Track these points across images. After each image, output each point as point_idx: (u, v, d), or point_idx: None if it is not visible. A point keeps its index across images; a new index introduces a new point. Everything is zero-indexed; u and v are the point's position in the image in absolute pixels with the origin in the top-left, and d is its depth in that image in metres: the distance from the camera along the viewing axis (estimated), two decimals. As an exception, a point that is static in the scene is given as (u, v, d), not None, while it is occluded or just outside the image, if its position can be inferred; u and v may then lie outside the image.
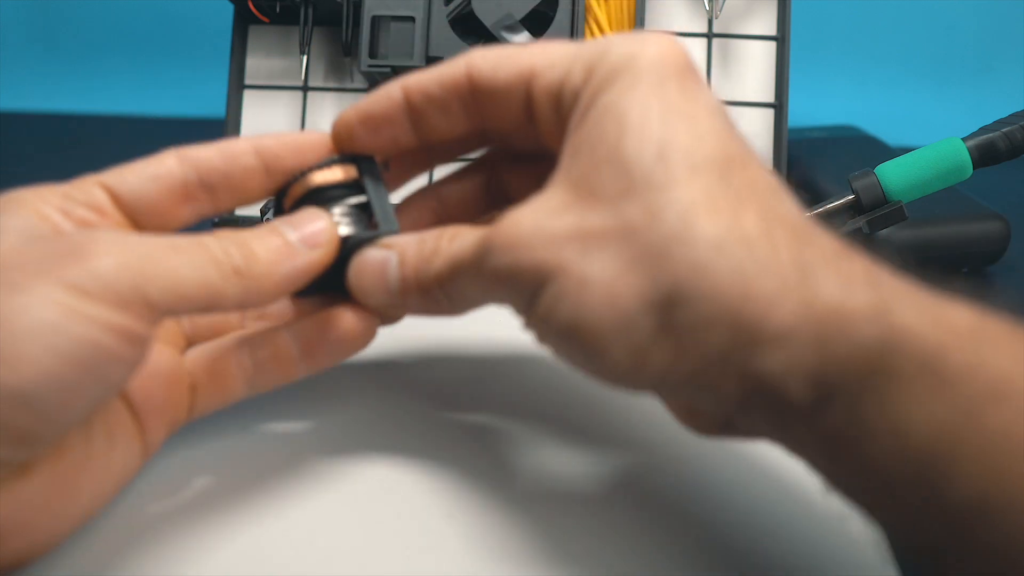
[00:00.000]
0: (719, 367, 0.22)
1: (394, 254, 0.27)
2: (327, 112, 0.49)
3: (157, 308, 0.22)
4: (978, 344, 0.20)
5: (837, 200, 0.40)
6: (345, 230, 0.28)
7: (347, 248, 0.28)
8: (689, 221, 0.22)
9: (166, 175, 0.27)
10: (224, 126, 0.49)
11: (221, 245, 0.24)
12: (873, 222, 0.39)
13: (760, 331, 0.21)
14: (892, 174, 0.39)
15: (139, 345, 0.22)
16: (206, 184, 0.27)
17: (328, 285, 0.28)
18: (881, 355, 0.20)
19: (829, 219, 0.41)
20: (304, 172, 0.28)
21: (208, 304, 0.24)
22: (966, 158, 0.38)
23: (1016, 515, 0.18)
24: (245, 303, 0.25)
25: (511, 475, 0.29)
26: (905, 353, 0.20)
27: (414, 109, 0.28)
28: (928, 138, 0.41)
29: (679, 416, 0.26)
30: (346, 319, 0.28)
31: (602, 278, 0.22)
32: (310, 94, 0.49)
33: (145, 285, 0.22)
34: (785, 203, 0.23)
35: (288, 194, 0.29)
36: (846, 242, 0.23)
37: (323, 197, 0.28)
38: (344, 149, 0.29)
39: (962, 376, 0.19)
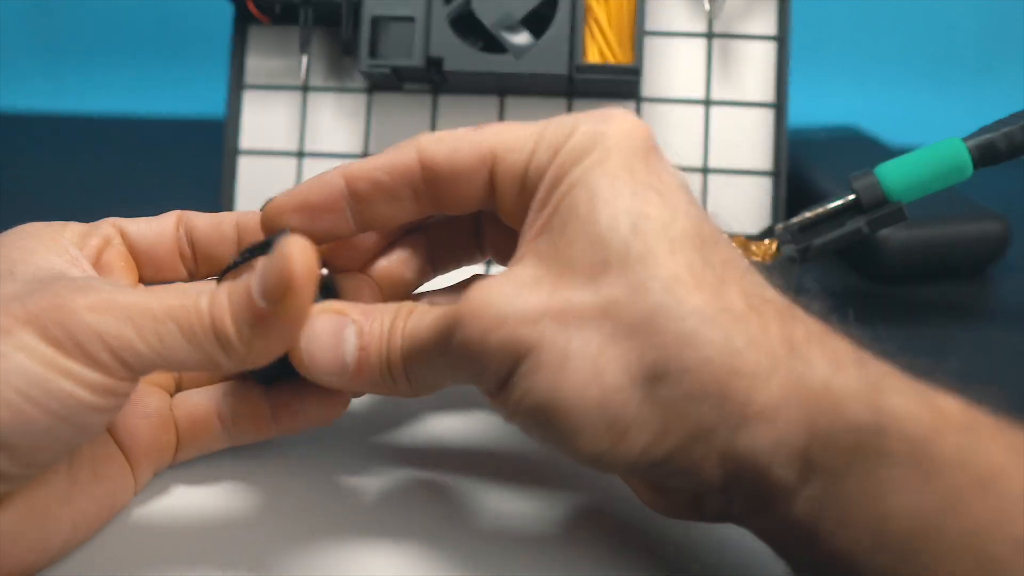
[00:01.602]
0: (703, 445, 0.21)
1: (351, 324, 0.25)
2: (327, 112, 0.49)
3: (134, 369, 0.23)
4: (969, 432, 0.20)
5: (837, 200, 0.40)
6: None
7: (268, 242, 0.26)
8: (675, 294, 0.22)
9: (170, 232, 0.30)
10: (224, 126, 0.49)
11: (212, 314, 0.23)
12: (873, 222, 0.39)
13: (747, 406, 0.21)
14: (892, 174, 0.39)
15: (116, 397, 0.23)
16: (204, 255, 0.30)
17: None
18: (872, 435, 0.20)
19: (829, 219, 0.41)
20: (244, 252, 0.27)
21: (199, 369, 0.24)
22: (966, 158, 0.38)
23: None
24: (236, 369, 0.24)
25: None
26: (896, 435, 0.20)
27: (358, 198, 0.26)
28: (928, 138, 0.41)
29: (644, 497, 0.26)
30: (316, 390, 0.27)
31: (585, 352, 0.22)
32: (310, 94, 0.49)
33: (122, 351, 0.22)
34: (764, 284, 0.23)
35: (230, 272, 0.28)
36: (829, 324, 0.23)
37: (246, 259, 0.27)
38: (272, 233, 0.27)
39: (953, 463, 0.19)
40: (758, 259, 0.42)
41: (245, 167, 0.49)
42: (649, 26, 0.48)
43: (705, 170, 0.47)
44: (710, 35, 0.48)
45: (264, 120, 0.49)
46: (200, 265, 0.30)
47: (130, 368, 0.23)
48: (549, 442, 0.23)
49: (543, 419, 0.22)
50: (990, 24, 0.74)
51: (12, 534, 0.23)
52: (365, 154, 0.49)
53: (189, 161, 0.60)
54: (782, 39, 0.47)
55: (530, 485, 0.29)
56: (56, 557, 0.25)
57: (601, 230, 0.23)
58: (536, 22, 0.46)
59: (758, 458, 0.21)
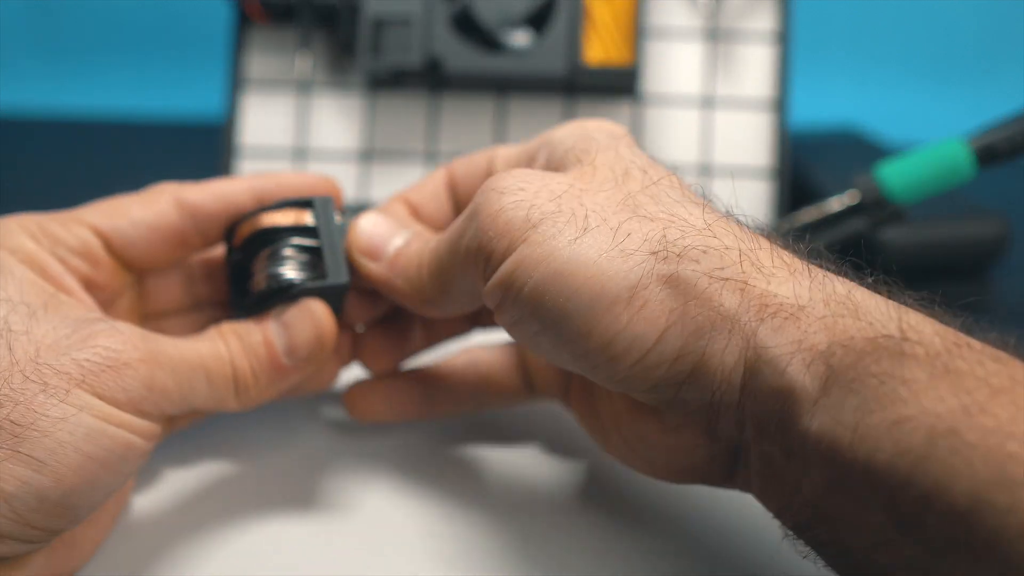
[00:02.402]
0: (723, 336, 0.21)
1: (406, 229, 0.28)
2: (326, 112, 0.49)
3: (168, 415, 0.24)
4: (984, 352, 0.20)
5: (836, 200, 0.40)
6: (291, 275, 0.27)
7: (290, 295, 0.27)
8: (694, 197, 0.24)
9: (163, 226, 0.27)
10: (224, 126, 0.49)
11: (233, 363, 0.25)
12: (873, 223, 0.39)
13: (769, 298, 0.21)
14: (893, 176, 0.39)
15: (155, 439, 0.24)
16: (203, 232, 0.28)
17: (258, 311, 0.27)
18: (894, 341, 0.20)
19: (829, 219, 0.41)
20: (255, 212, 0.28)
21: (208, 409, 0.26)
22: (967, 161, 0.38)
23: (1012, 516, 0.17)
24: (238, 410, 0.27)
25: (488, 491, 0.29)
26: (917, 343, 0.20)
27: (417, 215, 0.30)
28: (929, 137, 0.41)
29: (651, 463, 0.25)
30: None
31: (603, 218, 0.22)
32: (310, 94, 0.49)
33: (163, 402, 0.24)
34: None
35: (237, 232, 0.28)
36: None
37: (270, 238, 0.27)
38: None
39: (971, 374, 0.19)
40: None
41: (245, 167, 0.49)
42: (649, 26, 0.48)
43: (705, 170, 0.47)
44: (710, 34, 0.48)
45: (263, 120, 0.49)
46: (212, 243, 0.29)
47: (164, 416, 0.24)
48: (555, 332, 0.22)
49: (555, 293, 0.22)
50: (990, 24, 0.74)
51: (45, 567, 0.23)
52: (365, 154, 0.49)
53: (189, 161, 0.60)
54: (783, 39, 0.47)
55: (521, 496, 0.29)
56: (79, 570, 0.25)
57: (611, 161, 0.24)
58: (536, 22, 0.46)
59: (778, 360, 0.20)
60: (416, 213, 0.30)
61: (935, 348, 0.19)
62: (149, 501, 0.28)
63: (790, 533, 0.21)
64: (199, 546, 0.26)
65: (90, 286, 0.27)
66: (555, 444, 0.31)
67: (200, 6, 0.73)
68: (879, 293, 0.22)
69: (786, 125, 0.47)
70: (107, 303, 0.27)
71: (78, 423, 0.21)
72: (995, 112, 0.40)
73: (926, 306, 0.22)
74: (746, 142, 0.47)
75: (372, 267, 0.28)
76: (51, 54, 0.78)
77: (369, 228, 0.28)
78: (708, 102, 0.48)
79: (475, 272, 0.24)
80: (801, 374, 0.20)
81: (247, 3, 0.47)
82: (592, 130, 0.26)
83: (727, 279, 0.21)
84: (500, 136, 0.48)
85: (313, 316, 0.27)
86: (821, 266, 0.23)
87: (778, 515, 0.22)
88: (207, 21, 0.67)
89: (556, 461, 0.30)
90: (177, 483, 0.29)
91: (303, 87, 0.49)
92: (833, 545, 0.20)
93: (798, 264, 0.22)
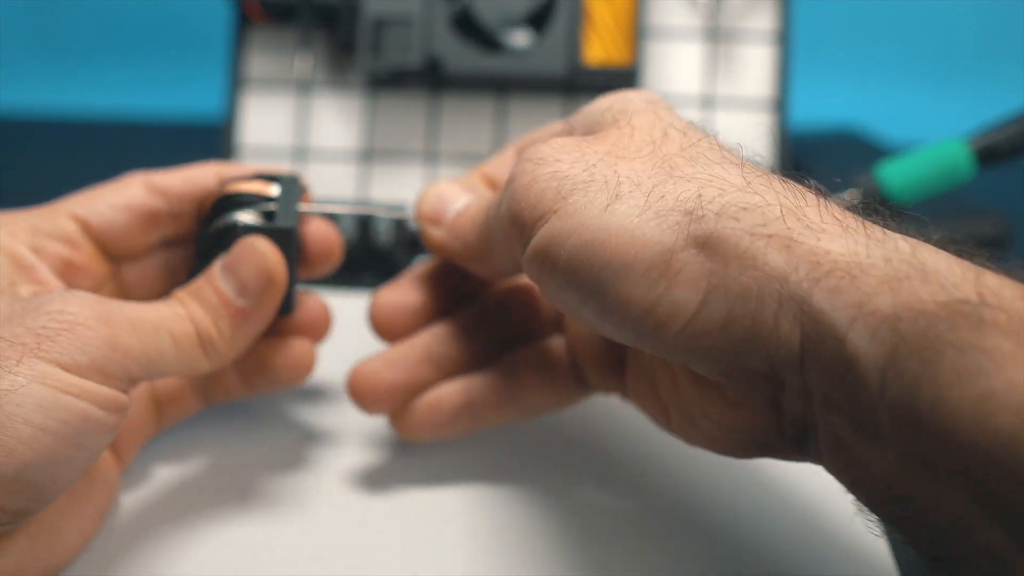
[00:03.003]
0: (773, 299, 0.19)
1: (466, 195, 0.29)
2: (326, 112, 0.49)
3: (136, 379, 0.23)
4: None
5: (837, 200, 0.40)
6: (240, 218, 0.28)
7: (236, 232, 0.27)
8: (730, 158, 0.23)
9: (136, 206, 0.28)
10: (223, 126, 0.49)
11: (194, 321, 0.25)
12: None
13: (821, 255, 0.19)
14: (893, 176, 0.39)
15: (121, 411, 0.23)
16: (173, 212, 0.29)
17: (211, 257, 0.27)
18: (972, 306, 0.17)
19: None
20: (222, 187, 0.29)
21: (179, 373, 0.25)
22: (968, 160, 0.38)
23: None
24: (212, 370, 0.26)
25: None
26: (999, 307, 0.17)
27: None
28: (929, 137, 0.41)
29: (716, 439, 0.23)
30: (284, 355, 0.29)
31: (638, 182, 0.22)
32: (309, 94, 0.49)
33: (128, 363, 0.23)
34: None
35: (202, 205, 0.29)
36: None
37: (232, 205, 0.28)
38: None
39: None
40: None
41: (245, 167, 0.49)
42: (649, 26, 0.48)
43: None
44: (710, 34, 0.48)
45: (263, 120, 0.49)
46: (184, 227, 0.30)
47: (133, 380, 0.23)
48: (595, 303, 0.21)
49: (589, 264, 0.21)
50: (990, 24, 0.74)
51: (24, 560, 0.23)
52: (365, 154, 0.49)
53: (189, 161, 0.60)
54: (783, 38, 0.47)
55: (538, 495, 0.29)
56: (68, 564, 0.25)
57: (649, 123, 0.24)
58: (536, 22, 0.46)
59: (836, 325, 0.18)
60: (492, 186, 0.30)
61: (1019, 314, 0.17)
62: (138, 500, 0.28)
63: (863, 509, 0.20)
64: (187, 545, 0.26)
65: (71, 271, 0.27)
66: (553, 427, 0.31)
67: (200, 6, 0.73)
68: (948, 252, 0.19)
69: (786, 125, 0.47)
70: (90, 290, 0.27)
71: (28, 393, 0.20)
72: (995, 112, 0.40)
73: (1002, 268, 0.19)
74: (746, 142, 0.47)
75: (434, 233, 0.28)
76: (51, 54, 0.78)
77: (434, 195, 0.29)
78: (708, 102, 0.48)
79: (513, 240, 0.24)
80: (864, 341, 0.18)
81: (247, 3, 0.47)
82: (631, 96, 0.26)
83: (771, 235, 0.20)
84: (500, 136, 0.48)
85: (254, 250, 0.26)
86: (880, 223, 0.21)
87: (851, 490, 0.20)
88: (207, 21, 0.67)
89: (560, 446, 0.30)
90: (167, 481, 0.29)
91: (303, 87, 0.49)
92: (909, 523, 0.18)
93: (851, 220, 0.20)
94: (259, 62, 0.50)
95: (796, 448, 0.22)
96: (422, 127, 0.49)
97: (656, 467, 0.30)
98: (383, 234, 0.44)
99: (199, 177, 0.29)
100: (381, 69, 0.45)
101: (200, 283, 0.26)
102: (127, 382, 0.23)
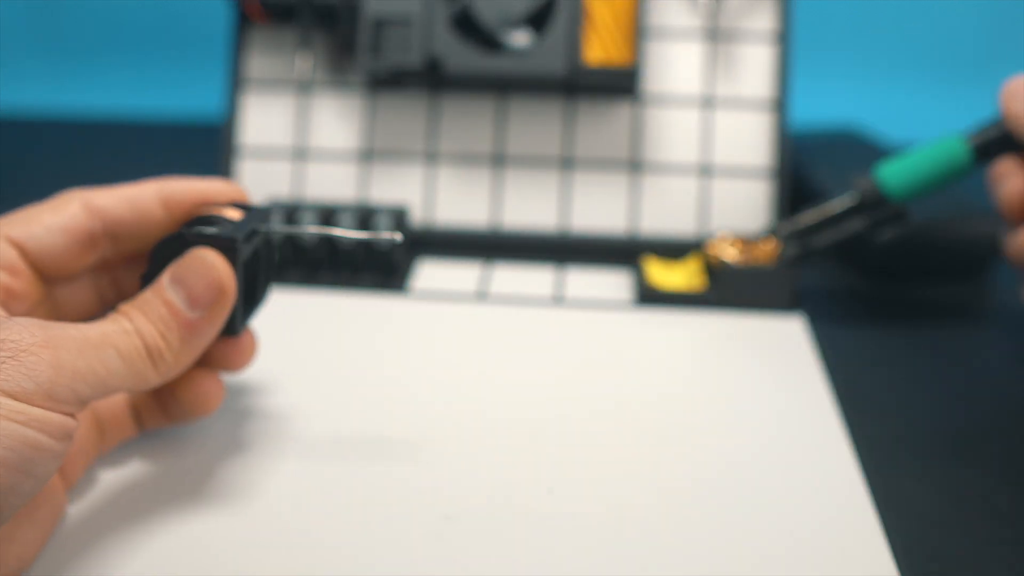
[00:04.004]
0: None
1: None
2: (326, 112, 0.49)
3: (86, 399, 0.23)
4: None
5: (837, 201, 0.40)
6: (194, 228, 0.27)
7: (184, 243, 0.27)
8: None
9: (73, 228, 0.27)
10: (224, 126, 0.49)
11: (141, 335, 0.25)
12: (873, 223, 0.39)
13: None
14: (891, 176, 0.39)
15: (69, 437, 0.22)
16: (111, 234, 0.28)
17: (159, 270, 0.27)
18: None
19: (829, 220, 0.41)
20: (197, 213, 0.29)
21: (129, 388, 0.25)
22: (966, 157, 0.38)
23: None
24: (161, 382, 0.26)
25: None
26: None
27: None
28: (929, 137, 0.41)
29: None
30: (191, 391, 0.29)
31: None
32: (310, 94, 0.49)
33: (76, 384, 0.22)
34: None
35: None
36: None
37: (197, 223, 0.28)
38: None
39: None
40: (759, 259, 0.42)
41: (244, 167, 0.49)
42: (649, 26, 0.48)
43: (705, 170, 0.47)
44: (710, 34, 0.48)
45: (264, 120, 0.49)
46: (123, 247, 0.29)
47: (82, 402, 0.23)
48: None
49: None
50: (990, 23, 0.74)
51: None
52: (365, 154, 0.49)
53: (189, 161, 0.60)
54: (783, 38, 0.47)
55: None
56: (28, 567, 0.24)
57: None
58: (536, 22, 0.46)
59: None
60: None
61: None
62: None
63: None
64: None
65: (9, 298, 0.26)
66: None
67: (200, 6, 0.73)
68: None
69: (786, 125, 0.47)
70: (25, 314, 0.27)
71: None
72: (995, 112, 0.40)
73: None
74: (746, 142, 0.47)
75: None
76: (51, 55, 0.78)
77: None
78: (708, 102, 0.48)
79: None
80: None
81: (247, 3, 0.47)
82: None
83: None
84: (500, 136, 0.48)
85: (204, 262, 0.26)
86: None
87: None
88: (207, 21, 0.67)
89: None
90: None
91: (303, 87, 0.49)
92: None
93: None
94: (259, 62, 0.50)
95: None
96: (422, 127, 0.49)
97: (655, 466, 0.30)
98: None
99: (139, 198, 0.29)
100: (381, 69, 0.45)
101: (147, 295, 0.26)
102: (77, 404, 0.23)
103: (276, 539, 0.27)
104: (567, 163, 0.48)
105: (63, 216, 0.27)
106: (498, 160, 0.48)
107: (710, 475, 0.30)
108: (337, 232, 0.30)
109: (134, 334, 0.25)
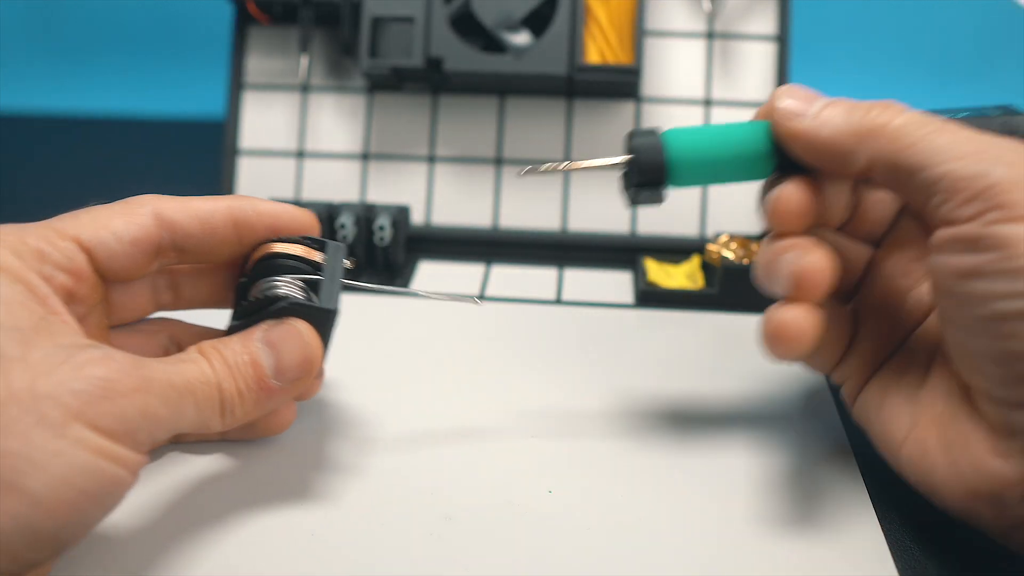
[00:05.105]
0: None
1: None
2: (327, 112, 0.49)
3: (157, 442, 0.24)
4: None
5: (611, 158, 0.30)
6: (283, 291, 0.28)
7: (278, 309, 0.27)
8: None
9: (143, 238, 0.27)
10: (224, 126, 0.49)
11: (220, 387, 0.25)
12: (639, 192, 0.29)
13: None
14: (681, 143, 0.29)
15: (138, 472, 0.23)
16: (178, 247, 0.28)
17: (245, 327, 0.28)
18: None
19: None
20: (270, 240, 0.29)
21: (190, 432, 0.25)
22: (768, 148, 0.29)
23: None
24: (219, 431, 0.26)
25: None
26: None
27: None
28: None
29: (952, 483, 0.25)
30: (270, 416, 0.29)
31: None
32: (310, 94, 0.49)
33: (156, 431, 0.23)
34: None
35: (251, 256, 0.29)
36: None
37: (278, 265, 0.28)
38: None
39: None
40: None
41: (245, 167, 0.49)
42: (649, 26, 0.48)
43: (705, 170, 0.47)
44: (710, 35, 0.48)
45: (264, 120, 0.49)
46: (187, 259, 0.29)
47: (155, 443, 0.24)
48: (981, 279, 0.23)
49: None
50: (990, 24, 0.74)
51: None
52: (365, 154, 0.49)
53: (189, 161, 0.60)
54: (782, 39, 0.47)
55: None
56: None
57: None
58: (536, 22, 0.46)
59: None
60: None
61: None
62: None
63: None
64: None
65: (71, 300, 0.26)
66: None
67: (201, 7, 0.73)
68: None
69: (786, 125, 0.47)
70: (83, 316, 0.27)
71: (74, 458, 0.21)
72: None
73: None
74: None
75: (794, 124, 0.27)
76: (51, 55, 0.78)
77: (791, 90, 0.28)
78: (707, 103, 0.48)
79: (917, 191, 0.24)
80: None
81: (248, 4, 0.47)
82: None
83: None
84: (500, 136, 0.48)
85: (301, 336, 0.27)
86: None
87: None
88: (208, 22, 0.67)
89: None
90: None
91: (304, 87, 0.49)
92: None
93: None
94: (260, 63, 0.50)
95: None
96: (422, 127, 0.49)
97: (655, 466, 0.30)
98: (384, 234, 0.44)
99: (211, 217, 0.28)
100: (381, 69, 0.45)
101: (236, 348, 0.26)
102: (150, 446, 0.23)
103: (276, 539, 0.27)
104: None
105: (133, 225, 0.27)
106: (498, 160, 0.48)
107: (710, 475, 0.30)
108: (420, 293, 0.31)
109: (214, 386, 0.25)
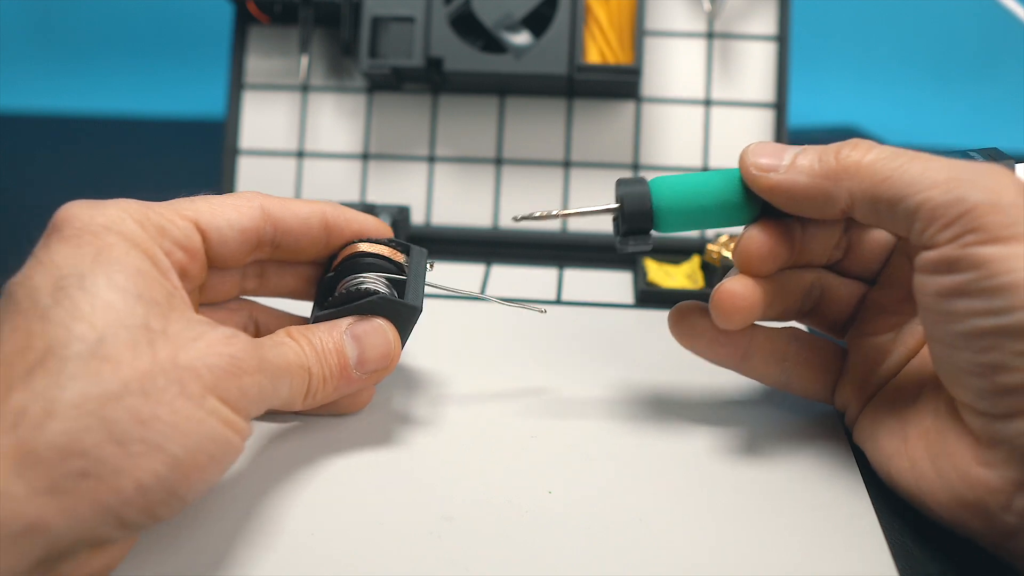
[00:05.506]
0: None
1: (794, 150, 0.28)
2: (327, 112, 0.49)
3: (260, 414, 0.26)
4: None
5: (600, 206, 0.32)
6: (371, 286, 0.30)
7: (364, 304, 0.29)
8: None
9: (250, 230, 0.30)
10: (224, 126, 0.49)
11: (310, 373, 0.28)
12: (627, 239, 0.31)
13: None
14: (668, 191, 0.30)
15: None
16: (277, 242, 0.31)
17: (330, 317, 0.30)
18: None
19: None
20: (359, 240, 0.32)
21: (276, 409, 0.27)
22: (753, 196, 0.29)
23: None
24: (285, 409, 0.28)
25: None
26: None
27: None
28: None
29: (941, 493, 0.26)
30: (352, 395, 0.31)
31: None
32: (310, 94, 0.49)
33: (262, 405, 0.26)
34: None
35: (339, 254, 0.32)
36: None
37: (366, 263, 0.31)
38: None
39: None
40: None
41: (245, 167, 0.49)
42: (649, 26, 0.48)
43: (705, 170, 0.47)
44: (710, 35, 0.48)
45: (264, 120, 0.49)
46: (278, 255, 0.31)
47: (259, 414, 0.26)
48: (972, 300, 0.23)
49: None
50: (990, 24, 0.74)
51: (115, 559, 0.24)
52: (365, 154, 0.49)
53: (189, 161, 0.60)
54: (782, 39, 0.47)
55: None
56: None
57: None
58: (536, 22, 0.46)
59: None
60: None
61: None
62: None
63: None
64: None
65: (183, 277, 0.28)
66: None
67: (201, 7, 0.73)
68: None
69: (786, 127, 0.47)
70: (188, 294, 0.28)
71: (208, 427, 0.23)
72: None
73: None
74: (746, 143, 0.47)
75: (771, 177, 0.28)
76: (51, 55, 0.78)
77: (761, 147, 0.28)
78: (708, 104, 0.48)
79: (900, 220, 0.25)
80: None
81: (248, 3, 0.47)
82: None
83: None
84: (500, 136, 0.48)
85: (384, 333, 0.30)
86: None
87: None
88: (208, 22, 0.67)
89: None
90: None
91: (304, 87, 0.49)
92: None
93: None
94: (260, 63, 0.50)
95: None
96: (422, 127, 0.49)
97: (655, 466, 0.30)
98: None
99: (309, 218, 0.31)
100: (381, 69, 0.45)
101: (324, 336, 0.29)
102: (256, 415, 0.26)
103: (276, 539, 0.27)
104: (567, 163, 0.48)
105: (244, 216, 0.29)
106: (498, 160, 0.48)
107: (710, 475, 0.30)
108: (492, 299, 0.33)
109: (306, 369, 0.28)
